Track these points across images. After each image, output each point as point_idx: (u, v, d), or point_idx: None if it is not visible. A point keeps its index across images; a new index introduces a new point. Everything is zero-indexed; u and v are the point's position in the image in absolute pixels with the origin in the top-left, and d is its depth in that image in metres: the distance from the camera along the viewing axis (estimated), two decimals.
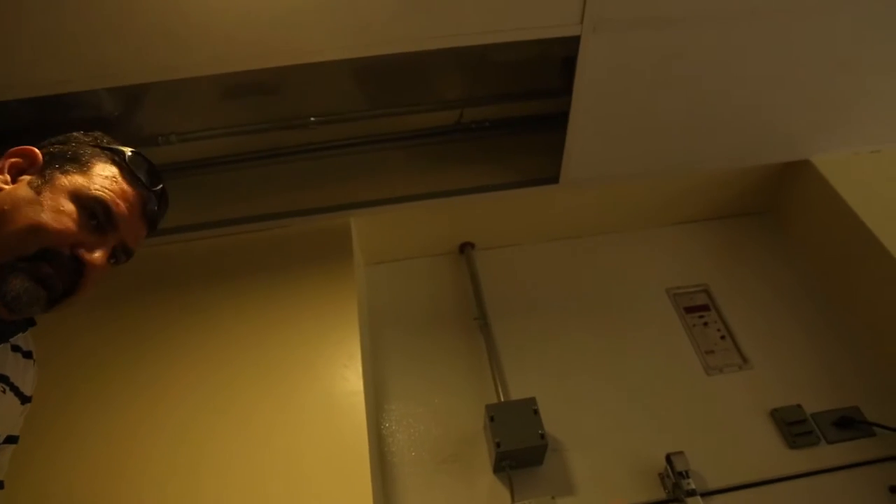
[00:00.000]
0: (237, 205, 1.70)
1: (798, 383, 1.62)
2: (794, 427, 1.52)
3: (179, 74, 1.30)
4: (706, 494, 1.40)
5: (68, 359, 1.40)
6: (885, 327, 1.63)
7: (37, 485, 1.21)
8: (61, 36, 1.20)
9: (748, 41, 1.45)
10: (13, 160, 0.78)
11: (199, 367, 1.40)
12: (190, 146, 1.72)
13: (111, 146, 0.84)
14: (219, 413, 1.32)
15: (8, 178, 0.76)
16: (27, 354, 0.88)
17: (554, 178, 1.71)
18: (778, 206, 2.02)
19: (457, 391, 1.63)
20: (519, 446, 1.41)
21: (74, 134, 0.84)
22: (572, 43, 1.37)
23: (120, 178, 0.81)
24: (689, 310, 1.82)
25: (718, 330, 1.76)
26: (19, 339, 0.85)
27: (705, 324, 1.78)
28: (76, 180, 0.77)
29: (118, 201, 0.79)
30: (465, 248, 1.97)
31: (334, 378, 1.38)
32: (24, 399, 0.87)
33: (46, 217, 0.73)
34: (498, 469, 1.47)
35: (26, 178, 0.77)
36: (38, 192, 0.74)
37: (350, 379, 1.37)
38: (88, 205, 0.76)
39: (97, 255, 0.76)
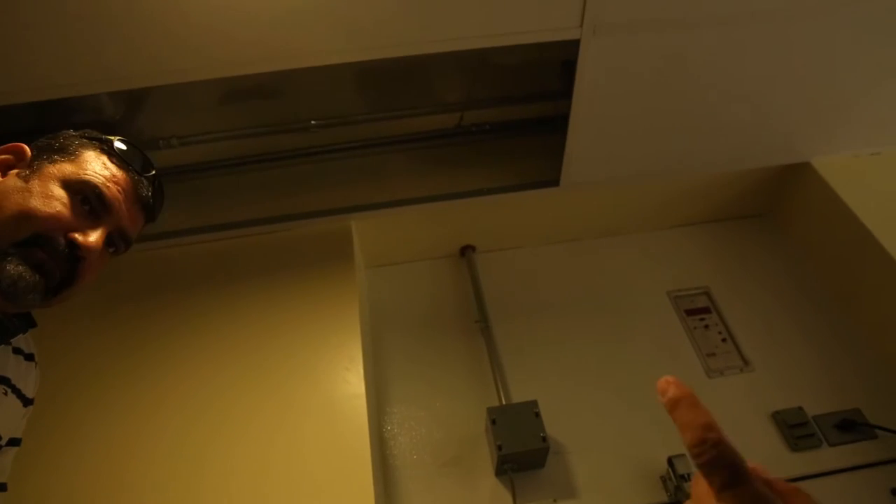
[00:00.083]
0: (238, 208, 1.70)
1: (799, 386, 1.61)
2: (795, 429, 1.52)
3: (184, 78, 1.30)
4: None
5: (70, 362, 1.40)
6: (886, 329, 1.63)
7: (39, 487, 1.21)
8: (64, 40, 1.21)
9: (748, 44, 1.46)
10: (2, 157, 0.78)
11: (201, 369, 1.40)
12: (191, 150, 1.73)
13: (100, 137, 0.84)
14: (220, 416, 1.32)
15: None
16: (29, 357, 0.88)
17: (554, 181, 1.71)
18: (778, 209, 2.02)
19: (458, 394, 1.63)
20: (520, 449, 1.41)
21: (64, 131, 0.84)
22: (572, 46, 1.38)
23: (110, 164, 0.81)
24: (690, 312, 1.82)
25: (719, 332, 1.76)
26: (21, 342, 0.85)
27: (706, 326, 1.78)
28: (65, 168, 0.77)
29: (109, 185, 0.79)
30: (466, 250, 1.97)
31: (336, 381, 1.38)
32: (27, 401, 0.86)
33: (36, 202, 0.73)
34: (499, 472, 1.47)
35: (15, 171, 0.77)
36: (26, 180, 0.75)
37: (352, 382, 1.37)
38: (79, 189, 0.76)
39: (92, 238, 0.76)
